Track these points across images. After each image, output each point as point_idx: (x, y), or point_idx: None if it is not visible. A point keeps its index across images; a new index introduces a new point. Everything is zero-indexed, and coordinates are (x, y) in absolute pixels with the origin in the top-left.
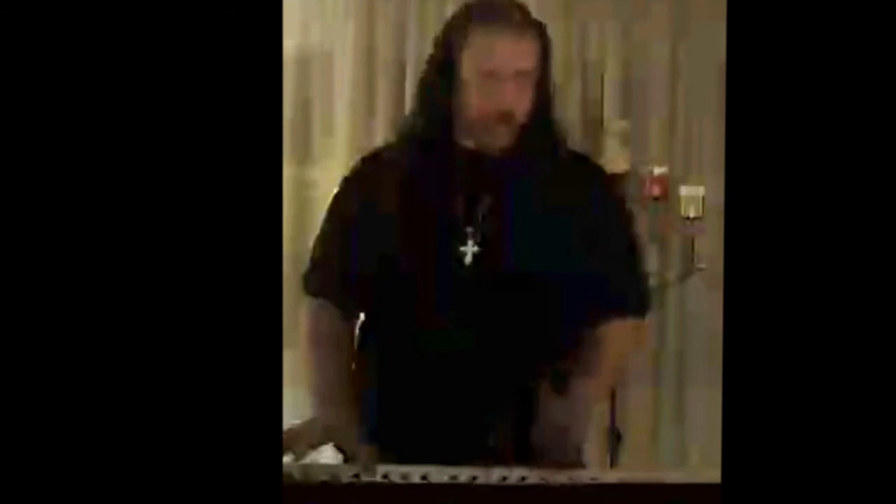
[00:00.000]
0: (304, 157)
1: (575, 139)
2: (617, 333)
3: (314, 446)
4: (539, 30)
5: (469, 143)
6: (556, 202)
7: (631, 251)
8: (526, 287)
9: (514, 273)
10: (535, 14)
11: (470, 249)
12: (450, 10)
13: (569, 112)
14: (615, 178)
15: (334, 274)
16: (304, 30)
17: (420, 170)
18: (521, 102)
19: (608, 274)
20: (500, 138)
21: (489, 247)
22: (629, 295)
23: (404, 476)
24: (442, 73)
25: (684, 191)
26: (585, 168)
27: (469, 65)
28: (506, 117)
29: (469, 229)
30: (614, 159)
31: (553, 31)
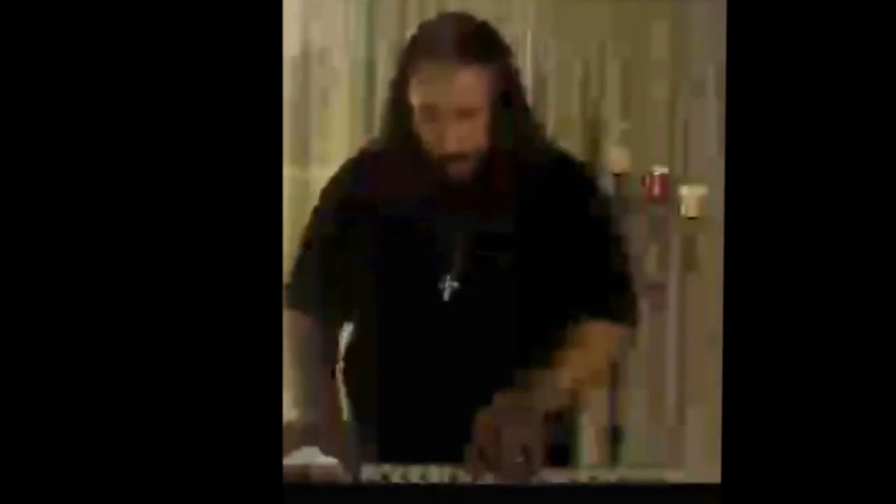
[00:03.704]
0: (304, 158)
1: (575, 139)
2: (590, 339)
3: (296, 447)
4: (491, 62)
5: (445, 149)
6: (537, 203)
7: (618, 258)
8: (504, 287)
9: (492, 273)
10: (535, 14)
11: (448, 285)
12: (450, 9)
13: (569, 112)
14: (599, 184)
15: (315, 280)
16: (304, 30)
17: (393, 182)
18: (469, 141)
19: (591, 282)
20: (459, 173)
21: (470, 275)
22: (611, 303)
23: (404, 476)
24: (398, 98)
25: (684, 191)
26: (570, 168)
27: (416, 96)
28: (455, 156)
29: (449, 247)
30: (614, 159)
31: (553, 32)
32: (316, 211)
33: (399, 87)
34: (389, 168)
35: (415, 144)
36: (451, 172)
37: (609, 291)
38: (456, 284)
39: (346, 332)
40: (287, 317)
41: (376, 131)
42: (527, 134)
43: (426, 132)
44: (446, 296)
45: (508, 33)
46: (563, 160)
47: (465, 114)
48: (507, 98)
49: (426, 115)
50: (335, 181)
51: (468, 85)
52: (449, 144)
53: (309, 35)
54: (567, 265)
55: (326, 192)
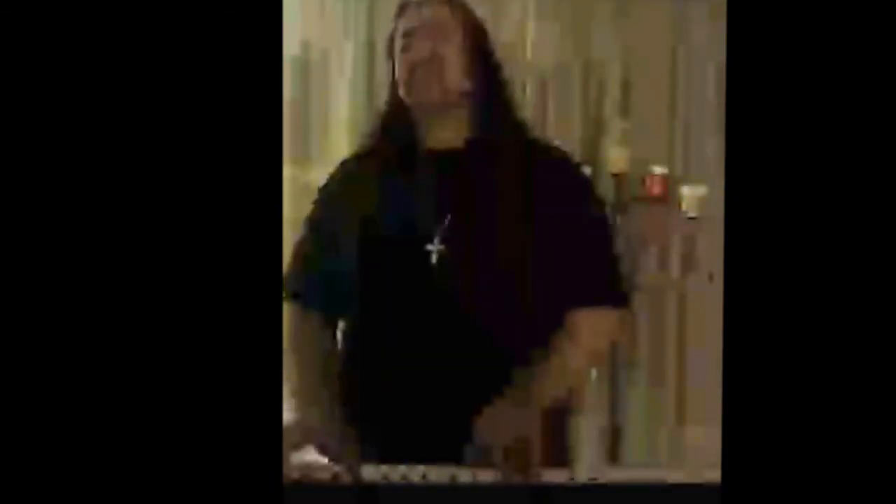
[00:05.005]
0: (304, 158)
1: (575, 139)
2: (587, 330)
3: (295, 448)
4: (455, 9)
5: (434, 140)
6: (524, 195)
7: (605, 243)
8: (497, 282)
9: (484, 268)
10: (535, 13)
11: (436, 248)
12: None
13: (569, 112)
14: (582, 167)
15: (312, 279)
16: (304, 29)
17: (389, 171)
18: (433, 52)
19: (581, 267)
20: (428, 90)
21: (457, 243)
22: (604, 286)
23: (404, 476)
24: (389, 70)
25: (685, 191)
26: (555, 159)
27: (397, 43)
28: (420, 65)
29: (437, 227)
30: (614, 159)
31: (553, 31)
32: (314, 205)
33: (389, 61)
34: (384, 153)
35: (404, 114)
36: (429, 94)
37: (598, 277)
38: (442, 247)
39: (342, 328)
40: (288, 311)
41: (370, 131)
42: (504, 93)
43: (405, 54)
44: (434, 259)
45: (508, 33)
46: (544, 148)
47: (441, 33)
48: (477, 44)
49: (406, 39)
50: (334, 175)
51: (444, 15)
52: (423, 49)
53: (309, 35)
54: (553, 253)
55: (326, 185)
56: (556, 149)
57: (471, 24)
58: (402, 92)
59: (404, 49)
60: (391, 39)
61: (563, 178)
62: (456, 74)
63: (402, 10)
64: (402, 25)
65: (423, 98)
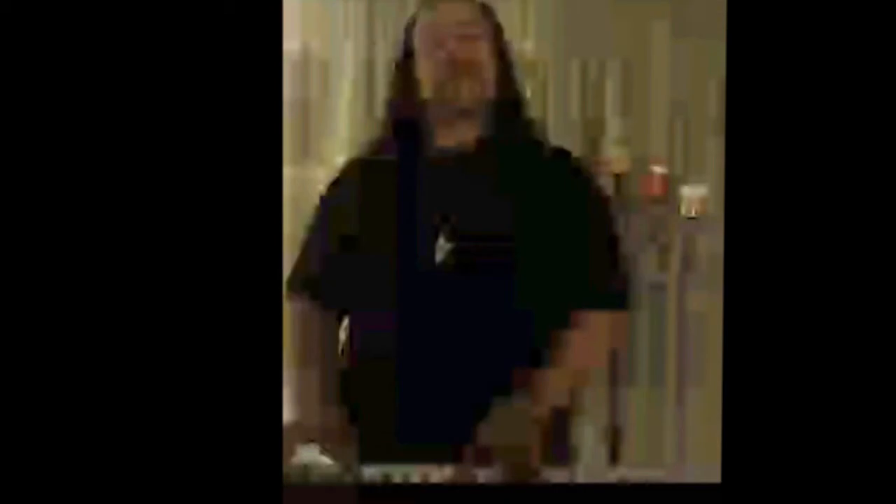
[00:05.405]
0: (304, 158)
1: (575, 139)
2: (589, 332)
3: (296, 448)
4: (483, 8)
5: (443, 140)
6: (530, 196)
7: (610, 244)
8: (500, 282)
9: (488, 268)
10: (535, 13)
11: (441, 246)
12: None
13: (569, 112)
14: (590, 170)
15: (316, 278)
16: (304, 30)
17: (396, 169)
18: (474, 54)
19: (585, 269)
20: (468, 92)
21: (464, 243)
22: (607, 290)
23: (404, 476)
24: (402, 66)
25: (684, 191)
26: (562, 161)
27: (420, 39)
28: (462, 66)
29: (443, 226)
30: (614, 159)
31: (553, 31)
32: (322, 199)
33: (403, 56)
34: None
35: (422, 104)
36: (459, 93)
37: (601, 279)
38: (450, 245)
39: (344, 327)
40: (290, 310)
41: (376, 129)
42: (519, 91)
43: (432, 54)
44: (439, 257)
45: (508, 32)
46: (550, 148)
47: (467, 33)
48: (498, 44)
49: (432, 38)
50: (343, 172)
51: (468, 14)
52: (454, 51)
53: (309, 35)
54: (556, 253)
55: (334, 182)
56: (563, 149)
57: (495, 24)
58: (428, 91)
59: (437, 47)
60: (409, 35)
61: (567, 178)
62: (490, 77)
63: (426, 5)
64: (430, 21)
65: (460, 100)
